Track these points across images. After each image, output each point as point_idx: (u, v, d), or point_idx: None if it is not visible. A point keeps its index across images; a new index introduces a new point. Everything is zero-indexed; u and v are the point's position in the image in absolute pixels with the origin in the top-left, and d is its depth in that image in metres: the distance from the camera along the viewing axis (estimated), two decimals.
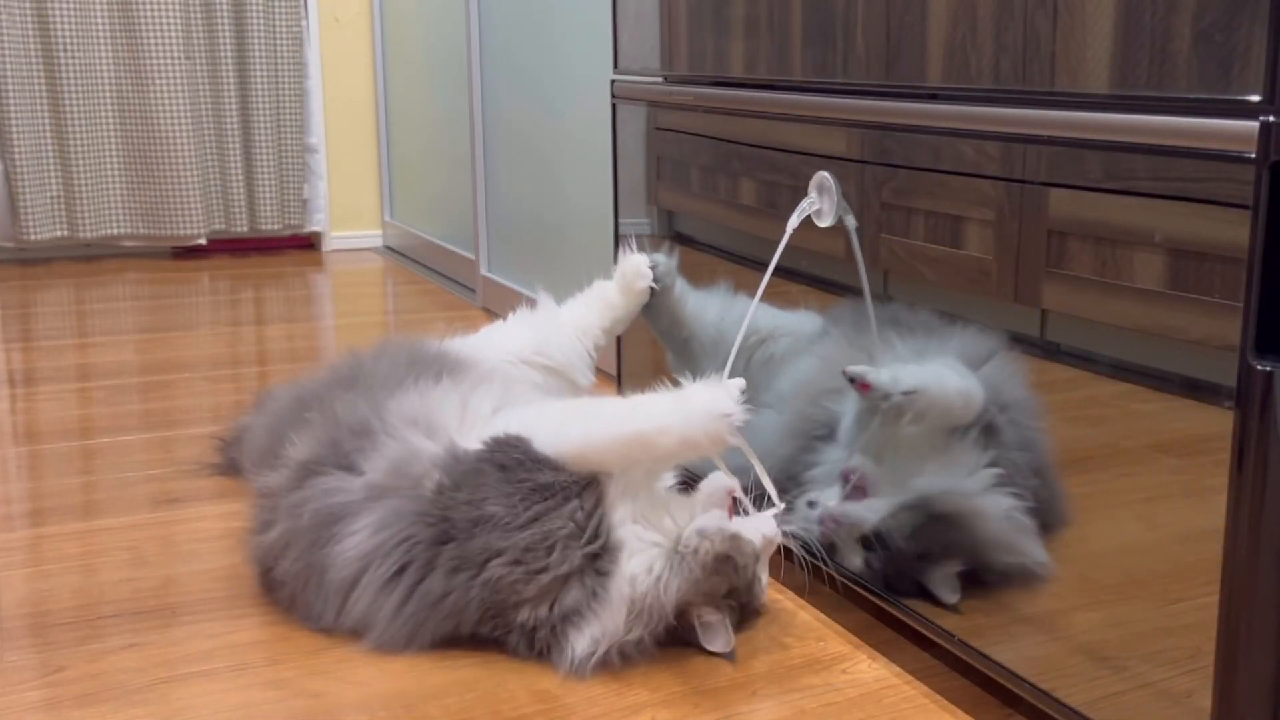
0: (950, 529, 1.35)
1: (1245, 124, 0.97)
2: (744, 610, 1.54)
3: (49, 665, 1.48)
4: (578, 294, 1.93)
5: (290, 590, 1.57)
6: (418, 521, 1.47)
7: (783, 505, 1.52)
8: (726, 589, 1.47)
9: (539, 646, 1.46)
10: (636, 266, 1.85)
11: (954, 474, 1.35)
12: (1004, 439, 1.33)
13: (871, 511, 1.45)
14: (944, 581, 1.37)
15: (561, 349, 1.88)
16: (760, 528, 1.49)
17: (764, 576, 1.55)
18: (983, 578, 1.33)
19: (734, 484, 1.52)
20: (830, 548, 1.51)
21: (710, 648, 1.48)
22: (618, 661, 1.44)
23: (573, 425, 1.52)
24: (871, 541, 1.44)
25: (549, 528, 1.44)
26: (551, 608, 1.44)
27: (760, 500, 1.53)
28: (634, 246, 1.88)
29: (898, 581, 1.44)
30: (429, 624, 1.47)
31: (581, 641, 1.44)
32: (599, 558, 1.45)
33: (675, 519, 1.50)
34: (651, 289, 1.85)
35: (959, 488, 1.34)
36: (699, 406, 1.45)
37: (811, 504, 1.53)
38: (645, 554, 1.46)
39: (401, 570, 1.47)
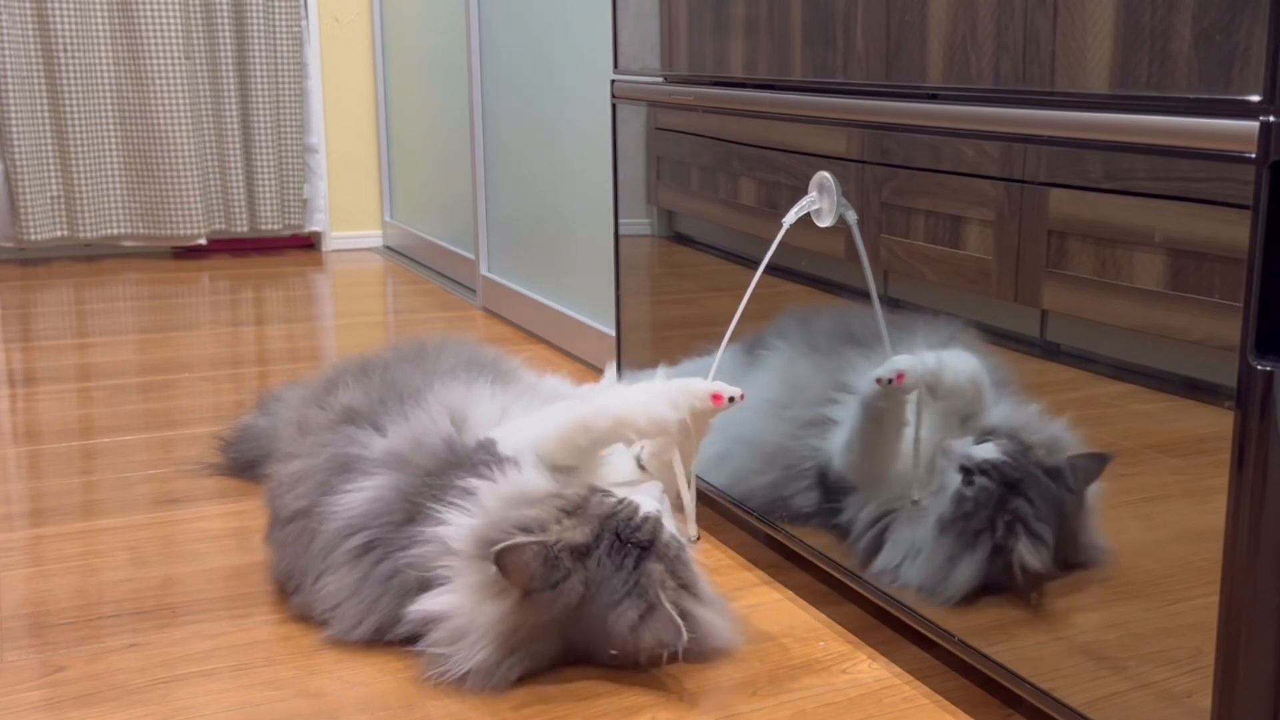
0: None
1: (1245, 124, 0.97)
2: (624, 534, 1.41)
3: (49, 665, 1.48)
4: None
5: (284, 536, 1.59)
6: (399, 501, 1.49)
7: (697, 536, 1.51)
8: (552, 517, 1.41)
9: None
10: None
11: None
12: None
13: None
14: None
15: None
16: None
17: (644, 497, 1.46)
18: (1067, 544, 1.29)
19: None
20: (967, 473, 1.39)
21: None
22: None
23: (530, 424, 1.56)
24: (993, 432, 1.39)
25: None
26: None
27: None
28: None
29: (1021, 480, 1.36)
30: (380, 605, 1.48)
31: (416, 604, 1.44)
32: None
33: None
34: None
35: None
36: (637, 389, 1.51)
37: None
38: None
39: (369, 547, 1.48)
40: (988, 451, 1.34)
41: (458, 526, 1.42)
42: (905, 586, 1.45)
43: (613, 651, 1.40)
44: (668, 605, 1.38)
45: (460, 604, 1.39)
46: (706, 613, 1.47)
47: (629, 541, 1.40)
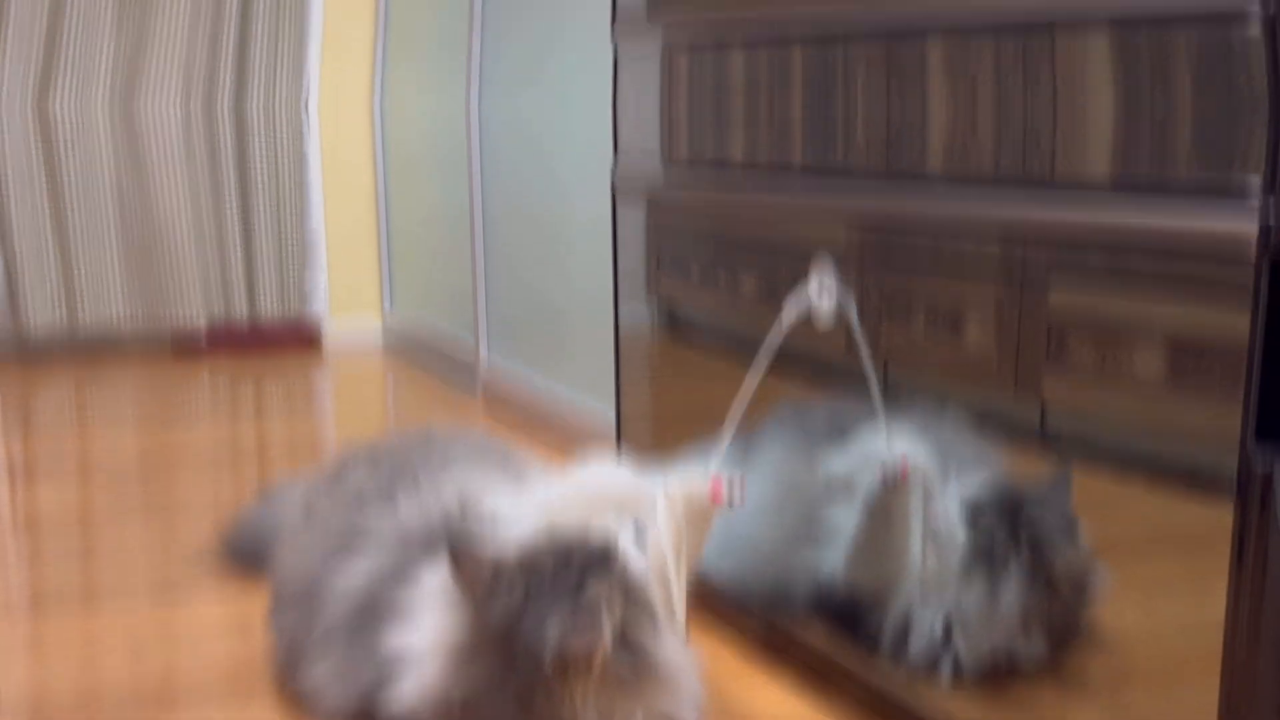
0: None
1: (1245, 218, 0.98)
2: (575, 550, 1.42)
3: None
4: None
5: (284, 616, 1.60)
6: (395, 575, 1.48)
7: (684, 619, 1.48)
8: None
9: None
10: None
11: None
12: None
13: None
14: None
15: None
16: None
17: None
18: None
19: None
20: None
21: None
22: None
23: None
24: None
25: None
26: None
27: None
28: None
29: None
30: (366, 670, 1.45)
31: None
32: None
33: None
34: None
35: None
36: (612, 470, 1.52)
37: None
38: None
39: (362, 620, 1.47)
40: (969, 489, 1.35)
41: (434, 572, 1.43)
42: (953, 650, 1.40)
43: (546, 666, 1.34)
44: (604, 616, 1.36)
45: (423, 631, 1.39)
46: (661, 649, 1.42)
47: (578, 553, 1.39)
